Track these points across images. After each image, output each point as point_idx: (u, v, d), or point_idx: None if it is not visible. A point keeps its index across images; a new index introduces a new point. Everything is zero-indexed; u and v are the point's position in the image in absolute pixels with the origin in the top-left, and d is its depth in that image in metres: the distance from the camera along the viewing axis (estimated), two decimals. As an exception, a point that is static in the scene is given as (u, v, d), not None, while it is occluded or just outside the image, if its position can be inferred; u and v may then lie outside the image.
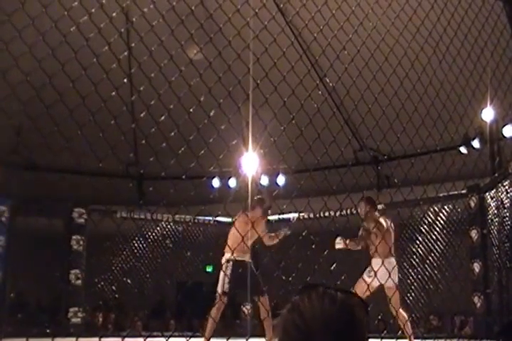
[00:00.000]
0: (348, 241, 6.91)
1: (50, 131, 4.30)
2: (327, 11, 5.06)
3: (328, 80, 8.70)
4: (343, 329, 1.22)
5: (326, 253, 6.16)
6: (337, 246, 6.87)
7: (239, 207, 11.32)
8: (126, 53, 4.99)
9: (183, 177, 6.51)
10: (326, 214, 10.14)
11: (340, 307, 1.24)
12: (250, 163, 9.75)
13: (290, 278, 6.44)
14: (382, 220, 7.09)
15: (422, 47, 5.51)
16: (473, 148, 10.16)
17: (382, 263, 6.03)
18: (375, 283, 6.36)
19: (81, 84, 4.12)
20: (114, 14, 4.51)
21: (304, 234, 6.48)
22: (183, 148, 4.70)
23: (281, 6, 8.47)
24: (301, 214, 10.01)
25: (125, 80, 6.00)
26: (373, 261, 6.76)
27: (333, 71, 5.38)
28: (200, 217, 11.66)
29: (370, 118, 5.37)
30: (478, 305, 8.59)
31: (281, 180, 12.35)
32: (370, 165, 11.90)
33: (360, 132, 11.05)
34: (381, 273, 6.03)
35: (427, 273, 10.36)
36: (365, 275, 6.83)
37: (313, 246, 6.24)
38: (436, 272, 10.24)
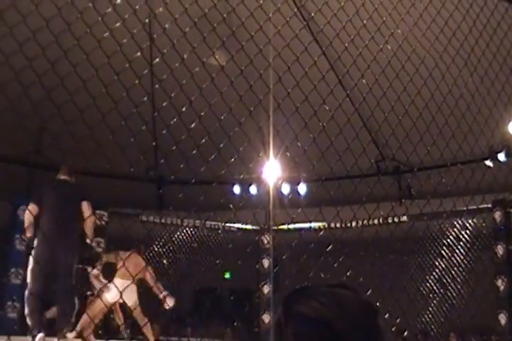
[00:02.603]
0: None
1: (72, 132, 4.26)
2: (344, 15, 4.97)
3: (349, 90, 8.58)
4: (370, 331, 1.13)
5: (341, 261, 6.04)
6: None
7: (260, 214, 11.30)
8: (147, 44, 4.93)
9: (193, 181, 6.43)
10: (354, 224, 10.02)
11: (363, 308, 1.16)
12: (271, 170, 9.67)
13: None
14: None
15: (440, 55, 5.39)
16: (499, 161, 9.94)
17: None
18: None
19: (93, 86, 4.09)
20: (137, 7, 4.46)
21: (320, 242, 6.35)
22: (195, 151, 4.63)
23: (300, 7, 8.38)
24: (323, 224, 9.91)
25: (145, 82, 5.96)
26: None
27: (359, 82, 5.28)
28: (216, 223, 11.61)
29: (393, 129, 5.26)
30: (503, 323, 8.35)
31: (302, 188, 12.24)
32: (392, 175, 11.74)
33: (382, 141, 10.90)
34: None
35: (449, 288, 10.13)
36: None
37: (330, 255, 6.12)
38: (458, 287, 10.01)
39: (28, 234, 6.19)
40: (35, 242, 6.15)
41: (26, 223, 6.23)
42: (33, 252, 6.18)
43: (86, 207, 6.37)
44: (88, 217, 6.33)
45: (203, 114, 4.52)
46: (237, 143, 4.74)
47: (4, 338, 6.61)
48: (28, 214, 6.20)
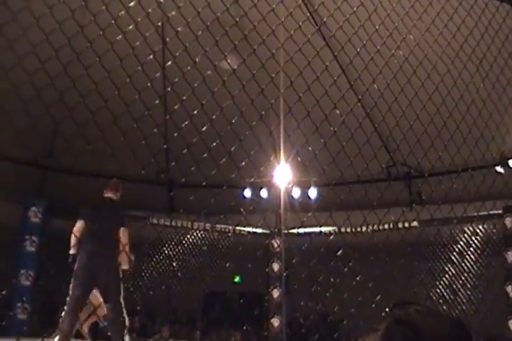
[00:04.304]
0: None
1: (84, 135, 4.29)
2: (357, 20, 4.98)
3: (360, 95, 8.58)
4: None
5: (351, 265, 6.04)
6: None
7: (271, 218, 11.31)
8: (160, 47, 4.95)
9: (204, 184, 6.45)
10: (364, 228, 10.02)
11: (460, 330, 1.31)
12: (282, 173, 9.68)
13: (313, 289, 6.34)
14: None
15: (452, 61, 5.38)
16: (510, 167, 9.90)
17: None
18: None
19: (104, 89, 4.11)
20: (150, 10, 4.49)
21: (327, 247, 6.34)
22: (205, 155, 4.64)
23: (312, 10, 8.38)
24: (334, 229, 9.91)
25: (159, 96, 5.99)
26: None
27: (370, 88, 5.28)
28: (226, 226, 11.63)
29: (405, 134, 5.25)
30: (514, 330, 8.32)
31: (313, 192, 12.22)
32: (403, 180, 11.70)
33: (393, 147, 10.88)
34: None
35: (459, 294, 10.10)
36: None
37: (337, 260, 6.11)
38: (468, 293, 9.97)
39: (73, 251, 6.46)
40: (79, 257, 6.41)
41: (73, 241, 6.47)
42: (75, 267, 6.42)
43: (125, 234, 6.56)
44: (125, 244, 6.52)
45: (214, 117, 4.54)
46: (248, 146, 4.75)
47: (14, 339, 6.73)
48: (76, 231, 6.45)
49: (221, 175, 4.81)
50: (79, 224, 6.46)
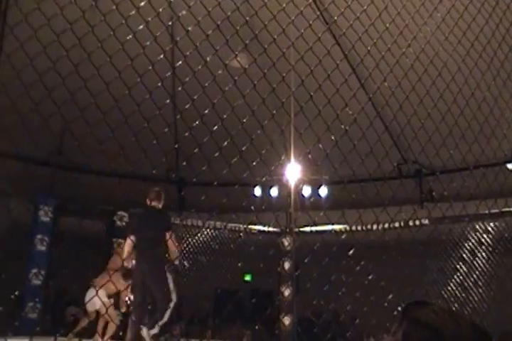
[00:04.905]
0: None
1: (93, 133, 4.29)
2: (367, 18, 4.94)
3: (371, 94, 8.54)
4: None
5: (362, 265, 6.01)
6: None
7: (282, 216, 11.28)
8: (170, 46, 4.95)
9: (215, 183, 6.45)
10: (375, 227, 9.98)
11: (480, 331, 1.32)
12: (292, 172, 9.66)
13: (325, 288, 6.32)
14: None
15: (463, 59, 5.34)
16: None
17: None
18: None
19: (116, 88, 4.11)
20: (160, 10, 4.48)
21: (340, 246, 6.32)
22: (217, 154, 4.64)
23: (323, 9, 8.35)
24: (346, 227, 9.88)
25: (166, 85, 5.99)
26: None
27: (377, 82, 5.26)
28: (237, 225, 11.62)
29: (414, 131, 5.22)
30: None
31: (323, 191, 12.20)
32: (413, 178, 11.65)
33: (404, 145, 10.83)
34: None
35: (471, 292, 10.04)
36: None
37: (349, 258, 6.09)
38: (480, 291, 9.91)
39: (127, 264, 7.12)
40: (134, 268, 6.94)
41: (125, 255, 7.09)
42: (133, 278, 6.97)
43: (171, 236, 7.04)
44: (175, 247, 7.11)
45: (225, 116, 4.53)
46: (259, 145, 4.74)
47: (26, 339, 6.90)
48: (128, 246, 7.02)
49: (231, 173, 4.80)
50: (129, 240, 6.95)
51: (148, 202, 7.19)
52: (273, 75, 4.67)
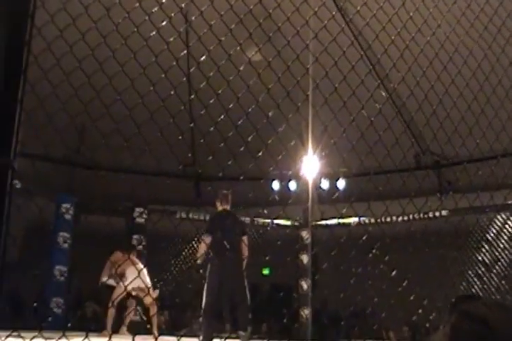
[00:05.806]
0: None
1: (111, 130, 4.31)
2: (388, 9, 4.92)
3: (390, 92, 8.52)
4: None
5: (386, 258, 6.00)
6: None
7: (298, 210, 11.28)
8: (185, 52, 4.95)
9: (241, 178, 6.47)
10: (388, 219, 9.97)
11: None
12: (310, 165, 9.66)
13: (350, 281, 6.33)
14: None
15: (489, 47, 5.30)
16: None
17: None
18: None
19: (139, 84, 4.13)
20: (172, 14, 4.49)
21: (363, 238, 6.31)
22: (242, 148, 4.64)
23: (341, 4, 8.33)
24: (362, 219, 9.86)
25: (184, 79, 6.00)
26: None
27: (395, 72, 5.24)
28: (258, 219, 11.63)
29: (434, 122, 5.20)
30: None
31: (341, 183, 12.18)
32: (432, 169, 11.60)
33: (423, 135, 10.78)
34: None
35: (492, 283, 10.01)
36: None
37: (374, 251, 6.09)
38: (503, 283, 9.88)
39: (200, 261, 7.35)
40: (209, 266, 7.14)
41: (200, 252, 7.42)
42: (207, 276, 7.16)
43: (246, 241, 7.44)
44: (247, 252, 7.32)
45: (250, 110, 4.53)
46: (286, 139, 4.75)
47: (51, 333, 6.94)
48: (203, 245, 7.28)
49: (247, 167, 4.81)
50: (207, 239, 7.16)
51: (218, 205, 7.54)
52: (289, 77, 4.66)
